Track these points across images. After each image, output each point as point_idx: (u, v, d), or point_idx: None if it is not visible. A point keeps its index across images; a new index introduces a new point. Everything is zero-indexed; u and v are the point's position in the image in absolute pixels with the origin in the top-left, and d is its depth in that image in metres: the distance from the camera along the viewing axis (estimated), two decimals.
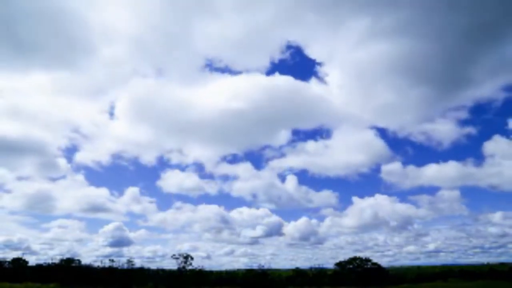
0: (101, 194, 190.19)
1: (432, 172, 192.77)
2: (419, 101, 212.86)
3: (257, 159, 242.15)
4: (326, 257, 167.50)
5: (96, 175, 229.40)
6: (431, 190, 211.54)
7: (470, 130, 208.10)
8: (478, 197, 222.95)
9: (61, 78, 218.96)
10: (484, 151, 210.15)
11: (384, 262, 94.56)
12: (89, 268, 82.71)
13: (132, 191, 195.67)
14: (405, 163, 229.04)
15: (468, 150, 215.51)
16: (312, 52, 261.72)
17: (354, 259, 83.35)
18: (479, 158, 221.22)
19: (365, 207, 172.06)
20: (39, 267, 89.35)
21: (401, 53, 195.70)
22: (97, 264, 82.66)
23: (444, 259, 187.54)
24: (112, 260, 79.06)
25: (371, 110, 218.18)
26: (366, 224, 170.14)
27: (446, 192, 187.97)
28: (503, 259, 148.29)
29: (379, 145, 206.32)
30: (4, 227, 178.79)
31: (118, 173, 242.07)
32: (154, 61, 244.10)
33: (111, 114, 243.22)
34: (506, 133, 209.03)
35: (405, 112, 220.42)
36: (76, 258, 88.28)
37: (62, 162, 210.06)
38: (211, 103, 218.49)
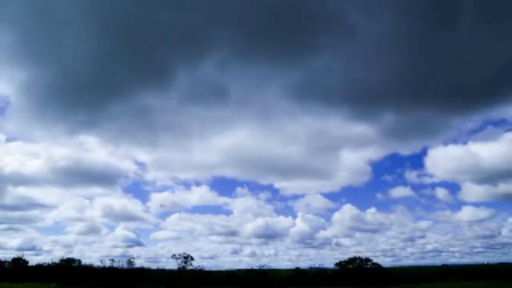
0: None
1: None
2: None
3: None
4: (327, 257, 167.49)
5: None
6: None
7: None
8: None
9: None
10: None
11: (384, 262, 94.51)
12: (89, 268, 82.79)
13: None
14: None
15: None
16: None
17: (354, 259, 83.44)
18: None
19: (362, 210, 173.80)
20: (39, 267, 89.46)
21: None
22: (97, 264, 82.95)
23: (444, 259, 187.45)
24: (112, 260, 79.30)
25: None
26: (365, 226, 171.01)
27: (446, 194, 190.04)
28: (503, 259, 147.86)
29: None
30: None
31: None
32: None
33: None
34: None
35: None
36: (82, 258, 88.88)
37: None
38: None
